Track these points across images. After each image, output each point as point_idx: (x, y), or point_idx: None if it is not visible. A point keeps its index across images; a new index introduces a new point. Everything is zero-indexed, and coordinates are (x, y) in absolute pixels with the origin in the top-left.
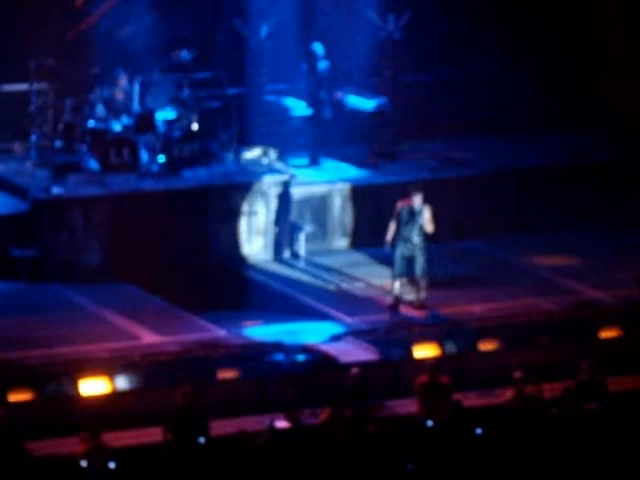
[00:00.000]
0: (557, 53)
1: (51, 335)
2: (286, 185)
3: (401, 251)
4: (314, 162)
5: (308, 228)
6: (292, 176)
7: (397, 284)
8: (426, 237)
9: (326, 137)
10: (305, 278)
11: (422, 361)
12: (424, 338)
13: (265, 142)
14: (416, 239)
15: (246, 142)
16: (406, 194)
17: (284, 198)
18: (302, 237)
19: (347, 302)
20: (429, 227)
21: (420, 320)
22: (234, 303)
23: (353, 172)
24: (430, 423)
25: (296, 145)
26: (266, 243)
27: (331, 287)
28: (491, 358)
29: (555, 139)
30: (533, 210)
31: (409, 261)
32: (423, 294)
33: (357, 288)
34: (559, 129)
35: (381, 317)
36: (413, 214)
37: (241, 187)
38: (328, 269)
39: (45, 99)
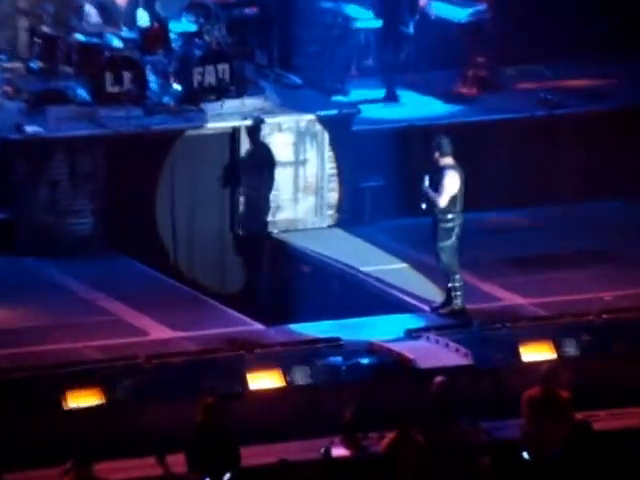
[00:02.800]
0: None
1: (25, 328)
2: (346, 124)
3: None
4: (389, 95)
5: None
6: (356, 112)
7: (457, 277)
8: (450, 213)
9: (405, 60)
10: (370, 252)
11: (532, 367)
12: (535, 336)
13: (317, 65)
14: (437, 215)
15: (291, 65)
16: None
17: (346, 141)
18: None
19: (429, 286)
20: (435, 200)
21: (530, 311)
22: (273, 285)
23: (439, 107)
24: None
25: (362, 70)
26: (319, 203)
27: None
28: (627, 364)
29: None
30: None
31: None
32: (453, 299)
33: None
34: None
35: (475, 306)
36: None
37: (282, 127)
38: (406, 239)
39: (15, 2)
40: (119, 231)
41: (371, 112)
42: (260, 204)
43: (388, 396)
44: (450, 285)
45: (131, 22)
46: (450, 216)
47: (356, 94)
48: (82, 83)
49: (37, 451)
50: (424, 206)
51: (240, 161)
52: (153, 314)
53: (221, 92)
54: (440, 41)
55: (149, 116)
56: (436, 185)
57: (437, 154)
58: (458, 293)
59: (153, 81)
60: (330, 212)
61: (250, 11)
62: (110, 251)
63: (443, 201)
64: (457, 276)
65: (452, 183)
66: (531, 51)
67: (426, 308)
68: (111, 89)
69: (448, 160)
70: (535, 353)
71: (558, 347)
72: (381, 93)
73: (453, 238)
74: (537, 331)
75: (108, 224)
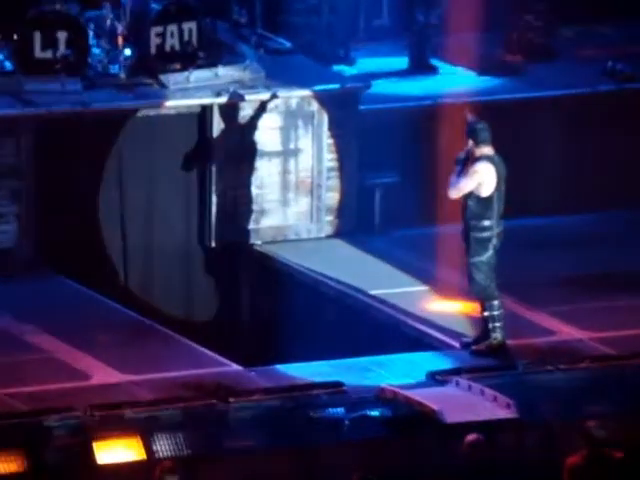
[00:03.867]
0: None
1: None
2: (352, 102)
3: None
4: (413, 64)
5: None
6: (364, 87)
7: (496, 303)
8: (486, 220)
9: (432, 19)
10: (381, 270)
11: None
12: (599, 383)
13: (312, 25)
14: (467, 222)
15: (279, 24)
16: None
17: (351, 124)
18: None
19: (458, 315)
20: (449, 189)
21: (592, 348)
22: (255, 314)
23: (475, 80)
24: None
25: (373, 32)
26: (314, 206)
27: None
28: None
29: None
30: None
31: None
32: (491, 332)
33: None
34: None
35: (519, 341)
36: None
37: (267, 106)
38: (428, 253)
39: None
40: (52, 243)
41: (384, 87)
42: (238, 208)
43: (405, 459)
44: (486, 314)
45: None
46: (486, 223)
47: (365, 63)
48: (3, 48)
49: None
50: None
51: (212, 151)
52: (97, 352)
53: (187, 60)
54: None
55: (91, 90)
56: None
57: (471, 143)
58: (497, 324)
59: (97, 45)
60: (329, 218)
61: None
62: (41, 269)
63: (455, 192)
64: (495, 302)
65: (481, 175)
66: (594, 8)
67: (455, 344)
68: (41, 55)
69: (486, 150)
70: (600, 405)
71: None
72: (399, 62)
73: (490, 252)
74: (603, 376)
75: (37, 233)
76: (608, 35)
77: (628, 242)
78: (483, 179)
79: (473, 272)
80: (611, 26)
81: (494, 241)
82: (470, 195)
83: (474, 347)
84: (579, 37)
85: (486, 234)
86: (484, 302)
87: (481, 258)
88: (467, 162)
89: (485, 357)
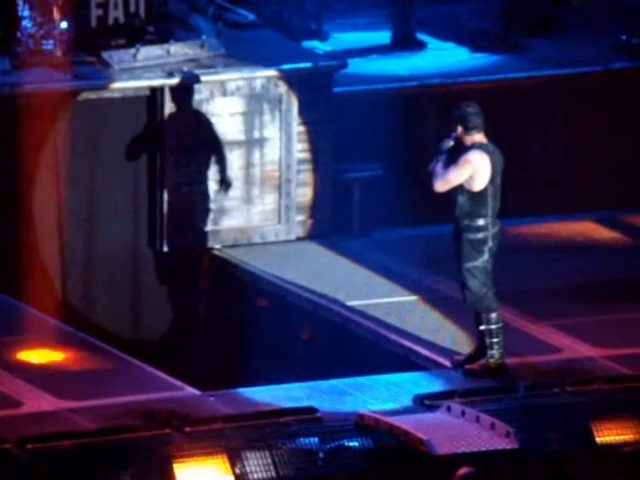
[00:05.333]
0: None
1: None
2: (325, 84)
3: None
4: (397, 39)
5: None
6: (339, 65)
7: (494, 315)
8: (481, 219)
9: None
10: (361, 277)
11: (610, 454)
12: (614, 406)
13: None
14: (460, 222)
15: None
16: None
17: (324, 109)
18: None
19: (450, 329)
20: (434, 181)
21: (604, 368)
22: (213, 329)
23: (468, 58)
24: None
25: (349, 2)
26: (283, 204)
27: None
28: None
29: None
30: None
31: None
32: (488, 349)
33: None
34: None
35: (521, 359)
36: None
37: (228, 87)
38: (415, 257)
39: None
40: None
41: (363, 66)
42: (194, 206)
43: None
44: (483, 328)
45: None
46: (480, 222)
47: (340, 38)
48: None
49: None
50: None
51: (163, 141)
52: (28, 373)
53: (134, 34)
54: None
55: (20, 70)
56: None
57: (460, 129)
58: (494, 340)
59: (28, 17)
60: (300, 218)
61: None
62: None
63: (441, 183)
64: (493, 315)
65: (474, 166)
66: None
67: (446, 363)
68: None
69: (478, 137)
70: (614, 432)
71: None
72: (381, 37)
73: (486, 256)
74: (616, 399)
75: None
76: (621, 4)
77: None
78: (476, 171)
79: (467, 279)
80: None
81: (490, 243)
82: (461, 190)
83: (468, 366)
84: (588, 6)
85: (481, 235)
86: (480, 314)
87: (476, 263)
88: (455, 151)
89: (480, 378)
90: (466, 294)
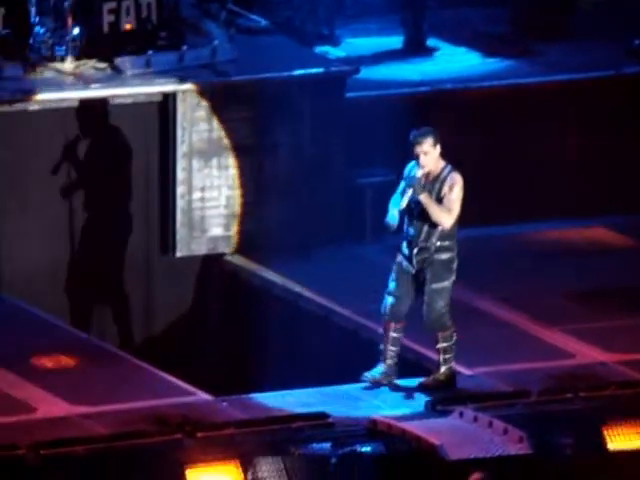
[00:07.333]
0: None
1: None
2: (338, 89)
3: (400, 262)
4: (409, 43)
5: None
6: (351, 71)
7: (392, 334)
8: (451, 239)
9: None
10: (375, 282)
11: (622, 460)
12: (628, 412)
13: (290, 2)
14: (431, 243)
15: (251, 1)
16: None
17: (336, 114)
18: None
19: (464, 335)
20: (441, 219)
21: (617, 373)
22: (225, 335)
23: (481, 63)
24: None
25: (361, 7)
26: (296, 209)
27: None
28: None
29: None
30: None
31: (415, 288)
32: (441, 365)
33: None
34: None
35: (532, 365)
36: (417, 186)
37: (239, 93)
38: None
39: None
40: None
41: (375, 71)
42: (206, 212)
43: None
44: (444, 345)
45: None
46: (451, 242)
47: (352, 44)
48: None
49: None
50: (394, 222)
51: (175, 146)
52: (42, 379)
53: (146, 41)
54: None
55: (33, 78)
56: (436, 195)
57: (429, 144)
58: (447, 357)
59: (40, 23)
60: (313, 223)
61: None
62: None
63: (450, 219)
64: (448, 332)
65: (461, 193)
66: None
67: (460, 368)
68: None
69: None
70: (627, 438)
71: None
72: (392, 42)
73: (454, 275)
74: (630, 405)
75: None
76: (633, 8)
77: None
78: (461, 195)
79: (434, 300)
80: None
81: (456, 261)
82: None
83: (422, 381)
84: (599, 11)
85: (450, 255)
86: (440, 332)
87: (444, 283)
88: (428, 176)
89: (431, 391)
90: (429, 314)
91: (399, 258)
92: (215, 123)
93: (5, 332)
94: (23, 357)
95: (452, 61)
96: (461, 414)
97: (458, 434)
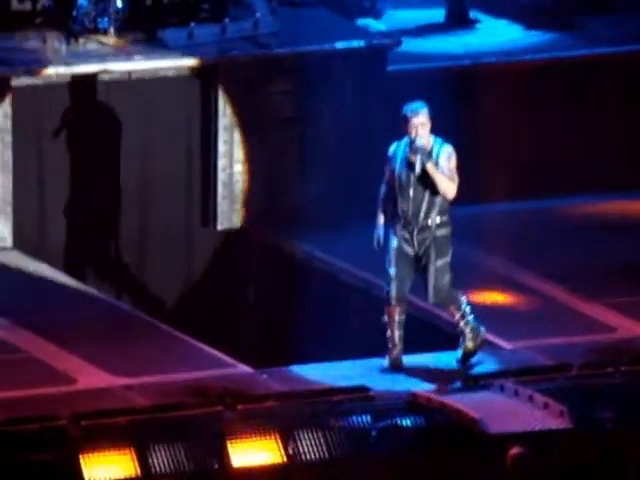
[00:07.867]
0: None
1: None
2: (380, 62)
3: (398, 245)
4: (452, 17)
5: None
6: (394, 43)
7: (397, 318)
8: (447, 213)
9: None
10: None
11: None
12: None
13: None
14: (432, 220)
15: None
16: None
17: (376, 89)
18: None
19: (503, 311)
20: (448, 188)
21: None
22: (266, 309)
23: (523, 36)
24: None
25: None
26: (338, 181)
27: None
28: None
29: None
30: None
31: (414, 268)
32: (466, 333)
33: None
34: None
35: (573, 339)
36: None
37: (282, 66)
38: (472, 234)
39: None
40: (33, 228)
41: (417, 44)
42: (247, 184)
43: (441, 476)
44: (458, 315)
45: None
46: (446, 218)
47: (394, 16)
48: None
49: None
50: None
51: (217, 119)
52: (83, 350)
53: (188, 13)
54: None
55: (77, 51)
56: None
57: (424, 118)
58: (467, 320)
59: None
60: (354, 196)
61: None
62: (17, 254)
63: (454, 189)
64: (463, 304)
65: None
66: None
67: (500, 342)
68: (18, 7)
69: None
70: None
71: None
72: (434, 15)
73: (451, 248)
74: None
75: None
76: None
77: None
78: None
79: (439, 277)
80: None
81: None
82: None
83: (457, 357)
84: None
85: (449, 229)
86: (454, 308)
87: (446, 258)
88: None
89: (463, 365)
90: (438, 292)
91: (395, 242)
92: (257, 96)
93: (45, 303)
94: (63, 328)
95: (494, 34)
96: (502, 388)
97: (498, 408)
